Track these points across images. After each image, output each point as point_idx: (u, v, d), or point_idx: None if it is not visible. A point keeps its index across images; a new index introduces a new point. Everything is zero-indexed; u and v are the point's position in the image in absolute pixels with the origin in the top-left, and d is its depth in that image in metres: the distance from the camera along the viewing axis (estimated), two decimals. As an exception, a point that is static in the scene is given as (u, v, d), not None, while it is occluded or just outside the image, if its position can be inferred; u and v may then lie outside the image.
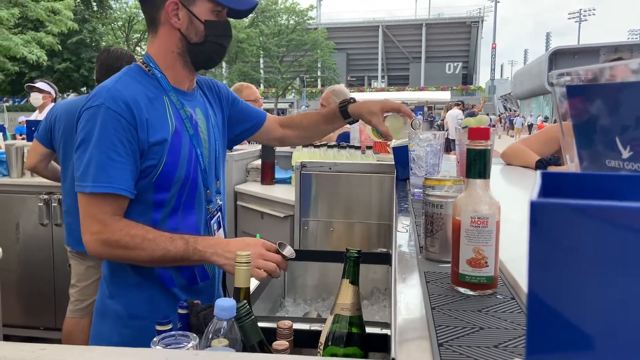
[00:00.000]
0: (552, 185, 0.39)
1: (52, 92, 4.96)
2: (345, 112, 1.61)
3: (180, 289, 1.37)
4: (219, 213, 1.48)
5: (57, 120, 2.60)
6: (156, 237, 1.24)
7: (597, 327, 0.32)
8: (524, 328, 0.60)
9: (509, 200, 1.40)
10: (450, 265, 0.77)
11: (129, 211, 1.29)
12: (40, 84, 4.96)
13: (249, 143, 3.80)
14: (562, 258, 0.31)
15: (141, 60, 1.39)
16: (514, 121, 32.33)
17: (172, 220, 1.34)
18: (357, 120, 1.64)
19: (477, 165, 0.73)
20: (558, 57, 36.57)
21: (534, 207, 0.31)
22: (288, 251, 1.30)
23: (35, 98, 4.95)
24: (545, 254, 0.31)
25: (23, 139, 6.20)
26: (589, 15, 66.98)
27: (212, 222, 1.44)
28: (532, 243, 0.32)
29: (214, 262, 1.26)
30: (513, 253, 0.83)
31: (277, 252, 1.30)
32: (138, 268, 1.33)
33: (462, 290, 0.73)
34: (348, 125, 3.38)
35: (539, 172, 0.41)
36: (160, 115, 1.30)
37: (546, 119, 33.80)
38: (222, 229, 1.50)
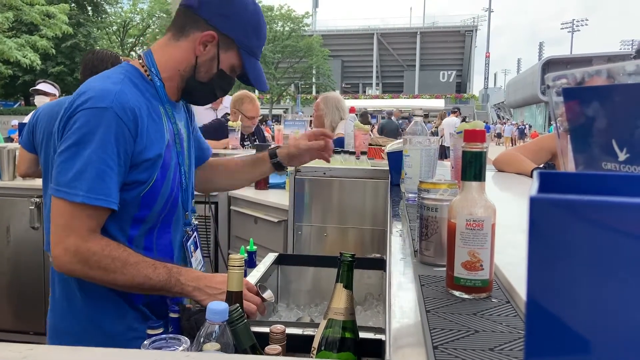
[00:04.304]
0: (549, 184, 0.39)
1: (56, 92, 4.88)
2: (279, 164, 1.59)
3: (145, 306, 1.29)
4: (195, 233, 1.43)
5: (37, 124, 2.56)
6: (138, 262, 1.16)
7: (597, 328, 0.31)
8: (520, 331, 0.60)
9: (503, 205, 1.40)
10: (445, 268, 0.76)
11: (106, 225, 1.19)
12: (43, 86, 4.87)
13: (243, 147, 3.79)
14: (562, 256, 0.30)
15: (140, 62, 1.29)
16: (502, 129, 32.42)
17: (148, 239, 1.27)
18: (285, 167, 1.63)
19: (472, 167, 0.72)
20: (551, 67, 36.85)
21: (533, 203, 0.30)
22: (268, 294, 1.27)
23: (40, 102, 4.82)
24: (545, 252, 0.31)
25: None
26: (582, 25, 67.60)
27: (189, 243, 1.39)
28: (531, 240, 0.31)
29: (193, 296, 1.19)
30: (508, 257, 0.83)
31: (257, 294, 1.25)
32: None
33: (457, 293, 0.72)
34: (342, 132, 3.39)
35: (536, 172, 0.40)
36: (158, 128, 1.24)
37: (529, 127, 34.03)
38: (199, 249, 1.45)
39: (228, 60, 1.30)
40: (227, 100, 4.46)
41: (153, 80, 1.28)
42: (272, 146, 1.66)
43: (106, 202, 1.13)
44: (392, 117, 14.09)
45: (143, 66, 1.29)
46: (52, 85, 4.92)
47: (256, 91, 4.50)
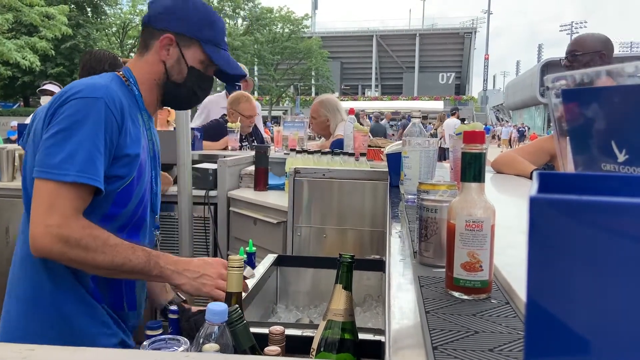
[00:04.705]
0: (549, 185, 0.39)
1: None
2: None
3: (108, 306, 1.33)
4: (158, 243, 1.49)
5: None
6: (117, 243, 1.18)
7: (596, 328, 0.31)
8: (519, 332, 0.60)
9: (502, 206, 1.40)
10: (444, 269, 0.76)
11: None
12: (50, 86, 4.82)
13: (241, 149, 3.79)
14: (562, 256, 0.31)
15: (120, 72, 1.39)
16: (499, 131, 32.28)
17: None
18: None
19: (472, 168, 0.73)
20: (550, 69, 36.81)
21: (533, 203, 0.30)
22: (248, 272, 1.29)
23: (46, 102, 4.80)
24: (545, 252, 0.31)
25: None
26: (581, 27, 67.68)
27: (157, 249, 1.44)
28: (531, 240, 0.31)
29: (172, 280, 1.22)
30: (507, 258, 0.83)
31: None
32: (74, 274, 1.26)
33: (456, 294, 0.72)
34: (341, 133, 3.39)
35: (536, 173, 0.41)
36: (137, 130, 1.31)
37: (528, 129, 33.91)
38: None
39: (193, 56, 1.38)
40: None
41: (132, 90, 1.36)
42: None
43: (95, 182, 1.15)
44: (381, 121, 14.34)
45: (124, 76, 1.37)
46: (58, 86, 4.91)
47: (255, 92, 4.50)
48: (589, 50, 2.54)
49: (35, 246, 1.14)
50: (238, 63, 1.49)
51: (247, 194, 2.91)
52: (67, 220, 1.13)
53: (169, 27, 1.36)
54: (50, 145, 1.16)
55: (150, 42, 1.38)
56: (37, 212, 1.14)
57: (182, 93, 1.40)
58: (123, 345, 1.36)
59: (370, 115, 18.01)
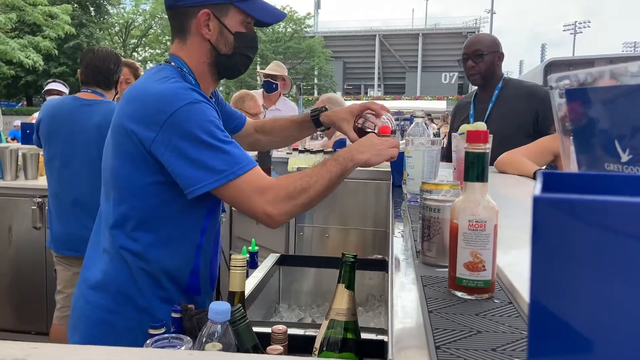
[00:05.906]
0: (553, 184, 0.39)
1: (67, 90, 4.85)
2: (317, 120, 1.64)
3: (205, 295, 1.38)
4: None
5: (41, 122, 2.58)
6: (313, 170, 1.27)
7: (600, 328, 0.31)
8: (522, 332, 0.60)
9: (505, 206, 1.39)
10: (447, 269, 0.76)
11: (182, 219, 1.27)
12: (56, 85, 4.80)
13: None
14: (566, 256, 0.31)
15: (172, 63, 1.32)
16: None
17: (212, 230, 1.37)
18: (329, 127, 1.66)
19: (475, 168, 0.72)
20: (553, 69, 36.66)
21: (537, 202, 0.30)
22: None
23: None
24: (549, 252, 0.31)
25: (15, 142, 6.12)
26: (584, 27, 67.40)
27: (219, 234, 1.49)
28: (534, 240, 0.31)
29: (361, 160, 1.31)
30: (510, 257, 0.83)
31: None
32: (167, 281, 1.28)
33: (459, 294, 0.72)
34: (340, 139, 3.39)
35: (540, 172, 0.40)
36: None
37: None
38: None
39: (234, 21, 1.31)
40: (280, 103, 4.48)
41: (190, 80, 1.30)
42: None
43: (253, 163, 1.21)
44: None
45: (177, 67, 1.31)
46: (62, 84, 4.90)
47: (261, 90, 4.50)
48: (492, 50, 2.66)
49: (275, 222, 1.22)
50: (272, 5, 1.41)
51: (250, 193, 2.91)
52: (273, 187, 1.20)
53: (199, 0, 1.28)
54: (195, 156, 1.16)
55: (186, 24, 1.30)
56: (253, 201, 1.20)
57: (235, 62, 1.36)
58: None
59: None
